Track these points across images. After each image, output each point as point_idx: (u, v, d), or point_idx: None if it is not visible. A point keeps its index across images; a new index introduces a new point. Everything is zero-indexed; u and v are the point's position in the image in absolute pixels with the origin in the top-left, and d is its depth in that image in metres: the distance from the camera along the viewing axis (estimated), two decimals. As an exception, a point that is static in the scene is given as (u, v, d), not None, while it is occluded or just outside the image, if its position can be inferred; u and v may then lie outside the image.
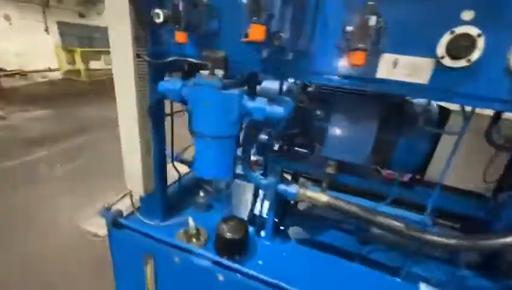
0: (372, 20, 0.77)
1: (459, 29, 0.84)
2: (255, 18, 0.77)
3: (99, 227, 3.07)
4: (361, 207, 1.18)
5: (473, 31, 0.83)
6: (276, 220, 1.50)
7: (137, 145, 1.31)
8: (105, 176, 3.99)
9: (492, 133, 1.15)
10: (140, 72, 1.21)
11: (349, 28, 0.82)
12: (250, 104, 1.04)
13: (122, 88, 1.23)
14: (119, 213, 1.49)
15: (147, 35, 1.19)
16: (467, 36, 0.84)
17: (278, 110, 1.01)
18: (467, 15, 0.84)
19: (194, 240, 1.44)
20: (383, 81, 0.98)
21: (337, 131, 1.29)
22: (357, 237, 1.61)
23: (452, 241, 1.07)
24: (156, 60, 1.22)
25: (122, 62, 1.18)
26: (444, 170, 1.16)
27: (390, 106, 1.32)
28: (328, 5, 0.93)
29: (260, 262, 1.38)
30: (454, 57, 0.87)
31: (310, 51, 0.99)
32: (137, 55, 1.18)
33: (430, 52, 0.89)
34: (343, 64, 0.96)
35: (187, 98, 1.08)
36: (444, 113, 1.33)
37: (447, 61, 0.88)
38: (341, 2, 0.90)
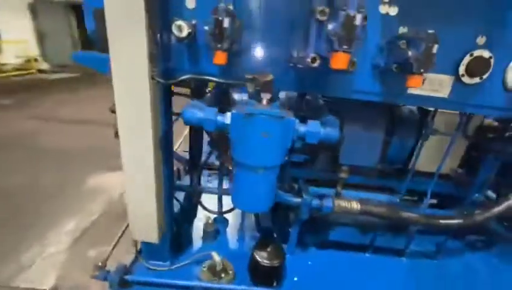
0: (435, 48, 0.83)
1: (476, 52, 1.00)
2: (345, 47, 0.72)
3: (34, 280, 2.40)
4: (387, 207, 1.30)
5: (486, 53, 1.00)
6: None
7: (151, 185, 1.07)
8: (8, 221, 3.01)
9: (467, 128, 1.44)
10: (155, 97, 0.97)
11: (411, 54, 0.87)
12: (302, 128, 0.98)
13: (132, 118, 0.96)
14: (124, 269, 1.20)
15: (158, 51, 0.95)
16: (482, 58, 1.01)
17: (333, 132, 0.99)
18: (481, 40, 1.00)
19: (223, 275, 1.30)
20: (412, 96, 1.09)
21: (355, 140, 1.36)
22: (359, 229, 1.77)
23: (456, 221, 1.31)
24: (167, 81, 1.00)
25: (132, 85, 0.92)
26: (443, 160, 1.39)
27: (386, 111, 1.48)
28: (377, 30, 0.95)
29: (296, 279, 1.37)
30: (471, 75, 1.04)
31: (356, 72, 1.00)
32: (152, 77, 0.94)
33: (453, 70, 1.04)
34: (393, 85, 1.01)
35: (233, 128, 0.93)
36: (424, 113, 1.58)
37: (466, 79, 1.04)
38: (391, 27, 0.94)
